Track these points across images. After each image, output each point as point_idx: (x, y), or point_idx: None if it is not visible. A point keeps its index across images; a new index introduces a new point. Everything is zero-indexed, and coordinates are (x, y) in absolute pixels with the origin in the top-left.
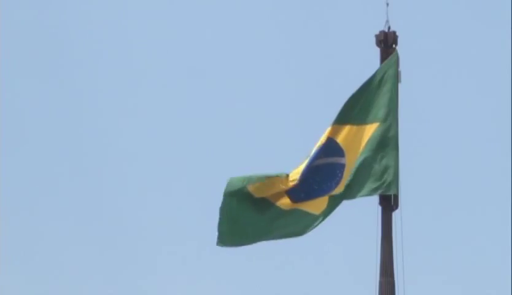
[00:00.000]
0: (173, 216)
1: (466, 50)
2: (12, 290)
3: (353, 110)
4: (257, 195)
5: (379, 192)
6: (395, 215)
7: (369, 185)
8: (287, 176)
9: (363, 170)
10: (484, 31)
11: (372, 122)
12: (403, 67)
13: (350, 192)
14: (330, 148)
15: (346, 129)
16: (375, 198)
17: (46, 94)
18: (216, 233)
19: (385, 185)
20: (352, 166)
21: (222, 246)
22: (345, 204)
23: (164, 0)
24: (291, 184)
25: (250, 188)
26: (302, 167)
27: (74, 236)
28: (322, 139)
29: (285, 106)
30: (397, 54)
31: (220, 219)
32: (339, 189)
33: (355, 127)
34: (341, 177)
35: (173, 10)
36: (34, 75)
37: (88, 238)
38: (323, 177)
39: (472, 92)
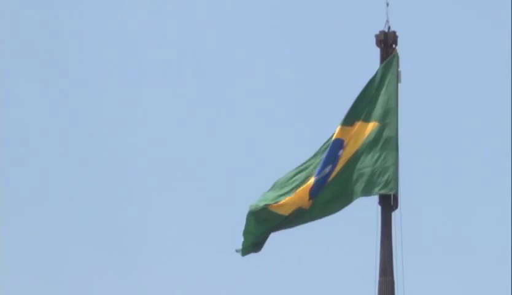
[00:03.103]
0: (177, 217)
1: (466, 49)
2: (15, 291)
3: (356, 110)
4: (282, 212)
5: (378, 191)
6: (395, 215)
7: (368, 185)
8: (305, 182)
9: (361, 171)
10: (484, 31)
11: (372, 121)
12: (403, 67)
13: (346, 196)
14: (334, 150)
15: (351, 128)
16: (375, 198)
17: (50, 96)
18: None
19: (384, 185)
20: (346, 162)
21: (245, 254)
22: None
23: (169, 0)
24: (310, 185)
25: (272, 207)
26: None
27: (78, 237)
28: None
29: (286, 105)
30: (397, 54)
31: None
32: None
33: (358, 123)
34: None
35: (178, 12)
36: (37, 77)
37: (92, 239)
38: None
39: (472, 92)
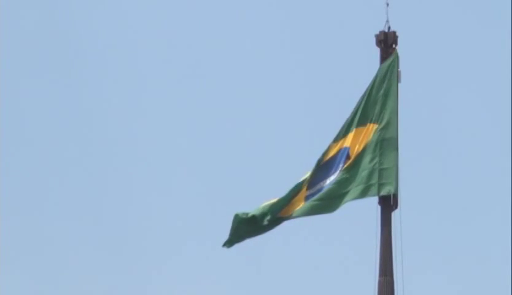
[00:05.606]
0: (178, 217)
1: (466, 50)
2: (15, 291)
3: (358, 114)
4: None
5: (379, 192)
6: (395, 215)
7: (368, 186)
8: (302, 189)
9: (361, 172)
10: (484, 31)
11: (372, 122)
12: (403, 67)
13: (346, 194)
14: (338, 160)
15: (353, 133)
16: (375, 198)
17: (52, 95)
18: (225, 236)
19: (384, 185)
20: (349, 164)
21: (228, 247)
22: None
23: (171, 0)
24: (305, 193)
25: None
26: (312, 173)
27: (78, 236)
28: (334, 151)
29: (285, 105)
30: (397, 54)
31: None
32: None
33: (359, 129)
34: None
35: (181, 12)
36: (36, 76)
37: (92, 239)
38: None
39: (472, 92)
